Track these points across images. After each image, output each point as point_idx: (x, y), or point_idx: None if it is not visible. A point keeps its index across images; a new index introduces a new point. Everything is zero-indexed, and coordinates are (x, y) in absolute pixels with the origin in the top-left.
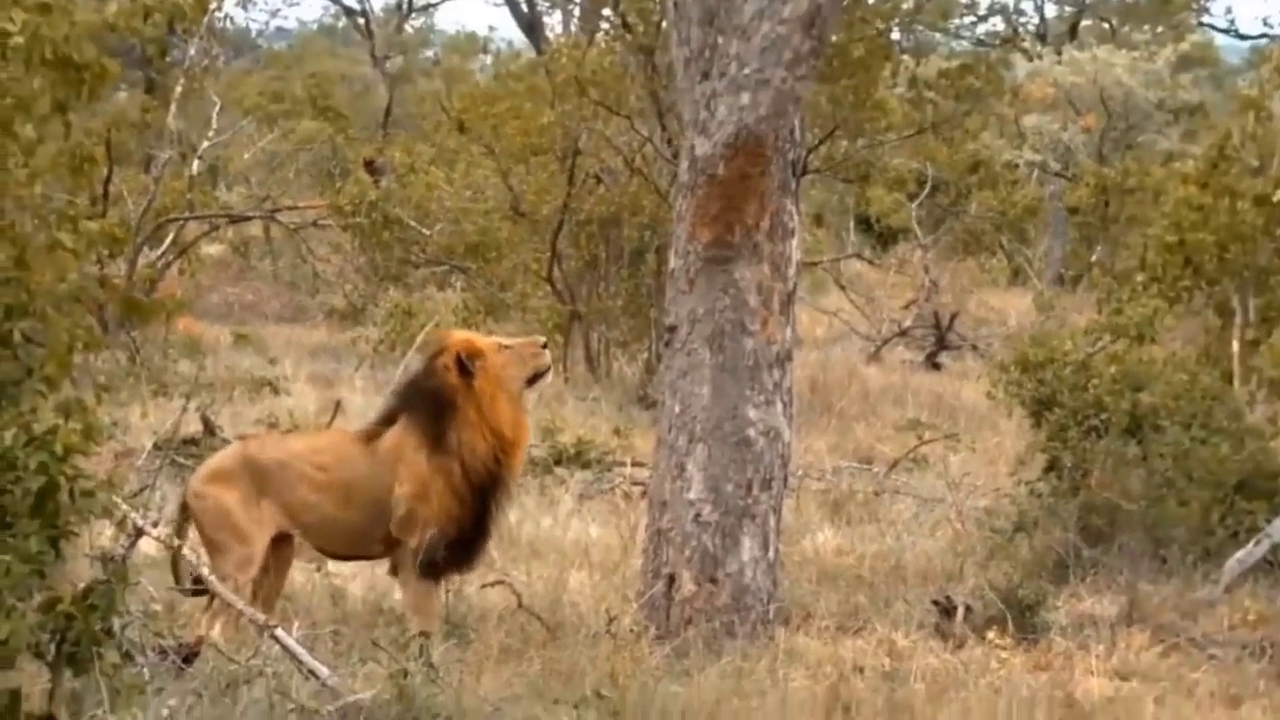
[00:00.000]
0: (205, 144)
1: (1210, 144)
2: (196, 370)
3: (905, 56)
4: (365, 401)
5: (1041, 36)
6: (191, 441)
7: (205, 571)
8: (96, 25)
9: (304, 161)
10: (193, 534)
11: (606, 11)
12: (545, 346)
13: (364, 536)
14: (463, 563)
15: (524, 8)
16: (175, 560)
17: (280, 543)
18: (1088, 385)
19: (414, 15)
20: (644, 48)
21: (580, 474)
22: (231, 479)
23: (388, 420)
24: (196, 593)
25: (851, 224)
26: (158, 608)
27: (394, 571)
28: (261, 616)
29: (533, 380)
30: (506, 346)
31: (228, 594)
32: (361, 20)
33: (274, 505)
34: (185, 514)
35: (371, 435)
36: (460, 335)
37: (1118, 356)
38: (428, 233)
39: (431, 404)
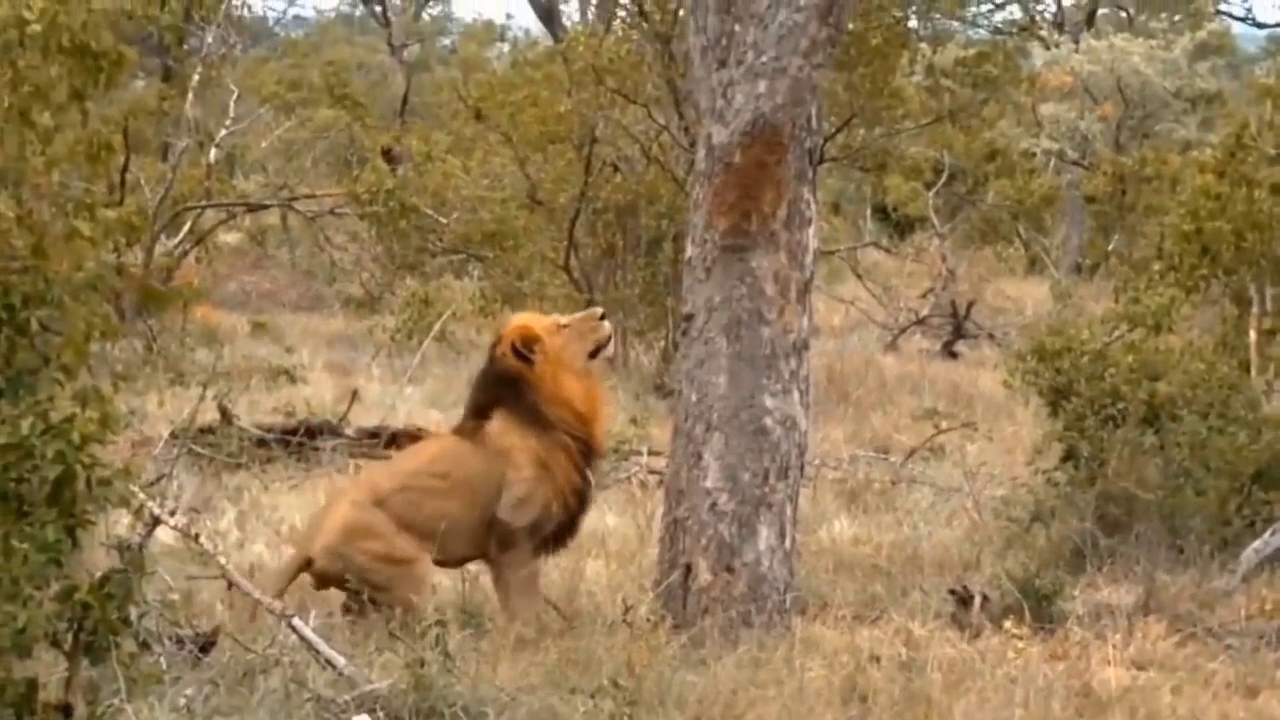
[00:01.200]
0: (223, 132)
1: (1228, 132)
2: (214, 359)
3: (923, 44)
4: (382, 390)
5: (1059, 24)
6: (209, 430)
7: (223, 561)
8: (114, 12)
9: (321, 150)
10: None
11: (623, 0)
12: (603, 318)
13: (484, 532)
14: (570, 535)
15: None
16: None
17: None
18: (1105, 374)
19: (431, 3)
20: (661, 36)
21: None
22: (369, 532)
23: (476, 414)
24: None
25: (868, 212)
26: (175, 597)
27: (494, 560)
28: (279, 605)
29: (594, 353)
30: (564, 325)
31: (244, 583)
32: (379, 8)
33: (406, 535)
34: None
35: (472, 431)
36: (516, 321)
37: (1135, 346)
38: (445, 221)
39: (513, 388)
